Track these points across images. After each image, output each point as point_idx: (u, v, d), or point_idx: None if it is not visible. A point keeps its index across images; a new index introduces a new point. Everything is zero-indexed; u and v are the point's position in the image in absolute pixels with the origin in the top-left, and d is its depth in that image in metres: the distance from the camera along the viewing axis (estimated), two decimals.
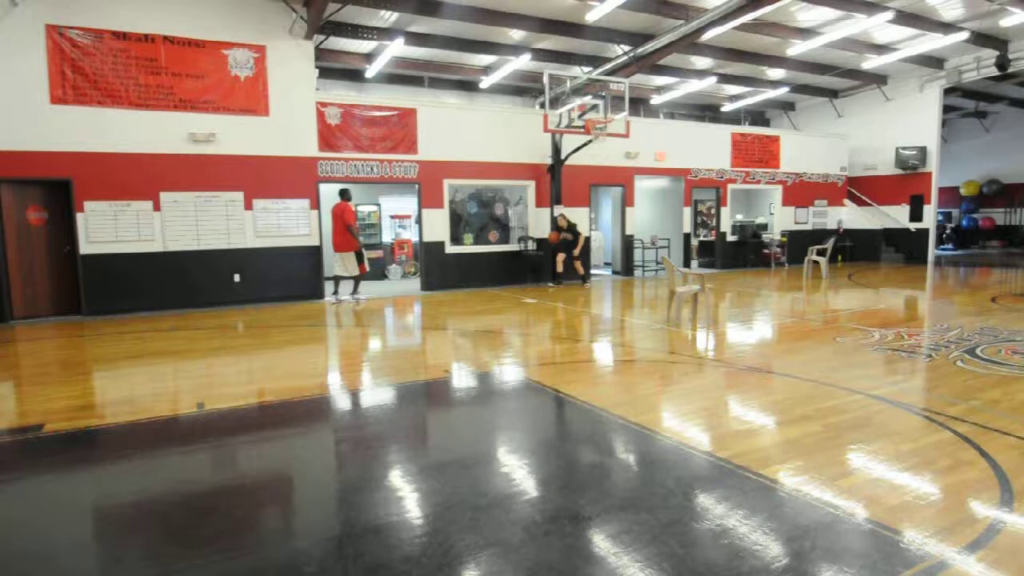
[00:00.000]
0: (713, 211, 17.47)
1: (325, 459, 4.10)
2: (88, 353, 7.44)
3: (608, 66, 14.51)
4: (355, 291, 11.55)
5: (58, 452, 4.21)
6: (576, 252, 13.33)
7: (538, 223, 13.88)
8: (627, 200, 15.14)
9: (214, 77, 10.61)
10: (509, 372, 6.02)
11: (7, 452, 4.22)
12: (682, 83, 17.67)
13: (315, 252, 11.62)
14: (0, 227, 9.47)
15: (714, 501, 3.08)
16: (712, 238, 17.53)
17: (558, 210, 13.60)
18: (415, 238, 13.44)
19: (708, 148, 16.47)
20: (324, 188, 11.98)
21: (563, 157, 13.50)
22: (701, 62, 16.16)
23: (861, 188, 19.28)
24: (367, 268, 11.72)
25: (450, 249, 13.08)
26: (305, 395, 5.41)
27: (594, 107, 12.93)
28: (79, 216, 9.87)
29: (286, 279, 11.34)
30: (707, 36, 12.93)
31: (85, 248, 9.94)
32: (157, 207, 10.32)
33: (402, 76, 16.16)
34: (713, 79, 16.93)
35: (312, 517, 3.13)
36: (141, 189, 10.21)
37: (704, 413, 4.61)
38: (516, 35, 13.72)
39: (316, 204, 11.60)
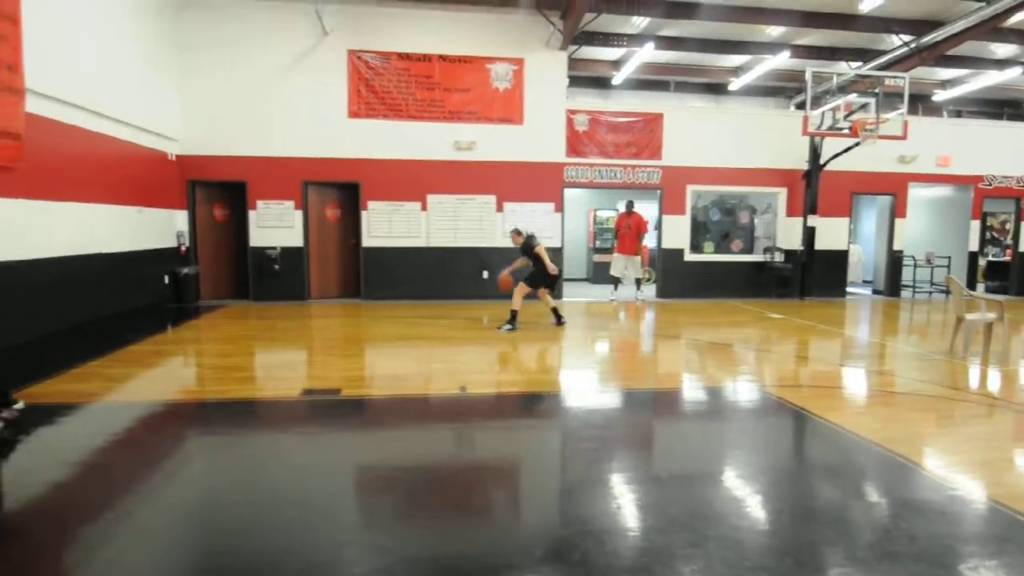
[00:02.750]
0: (1009, 226, 14.65)
1: (554, 454, 4.20)
2: (369, 332, 8.57)
3: (881, 60, 12.97)
4: (639, 289, 12.40)
5: (351, 414, 4.90)
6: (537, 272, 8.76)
7: (788, 233, 12.86)
8: (897, 211, 13.35)
9: (478, 90, 11.56)
10: (753, 389, 5.64)
11: (315, 409, 5.02)
12: (975, 75, 15.12)
13: (557, 254, 12.05)
14: (305, 221, 11.34)
15: None
16: (1007, 258, 14.71)
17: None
18: (652, 244, 13.29)
19: (1006, 151, 13.85)
20: (568, 193, 12.39)
21: (822, 162, 12.34)
22: (1002, 50, 13.65)
23: None
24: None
25: (689, 257, 12.71)
26: (545, 389, 5.63)
27: (863, 106, 11.61)
28: (363, 214, 11.44)
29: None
30: (1016, 18, 10.90)
31: (367, 241, 11.49)
32: (424, 207, 11.55)
33: (647, 81, 16.09)
34: (1018, 69, 14.20)
35: (534, 510, 3.22)
36: (412, 191, 11.51)
37: (1006, 465, 3.86)
38: (774, 32, 12.88)
39: (560, 208, 12.05)
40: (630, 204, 12.11)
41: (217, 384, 5.70)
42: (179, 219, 10.89)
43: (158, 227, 10.15)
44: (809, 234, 12.62)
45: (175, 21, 10.48)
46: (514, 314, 8.55)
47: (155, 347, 7.30)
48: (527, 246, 8.72)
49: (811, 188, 12.51)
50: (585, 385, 5.89)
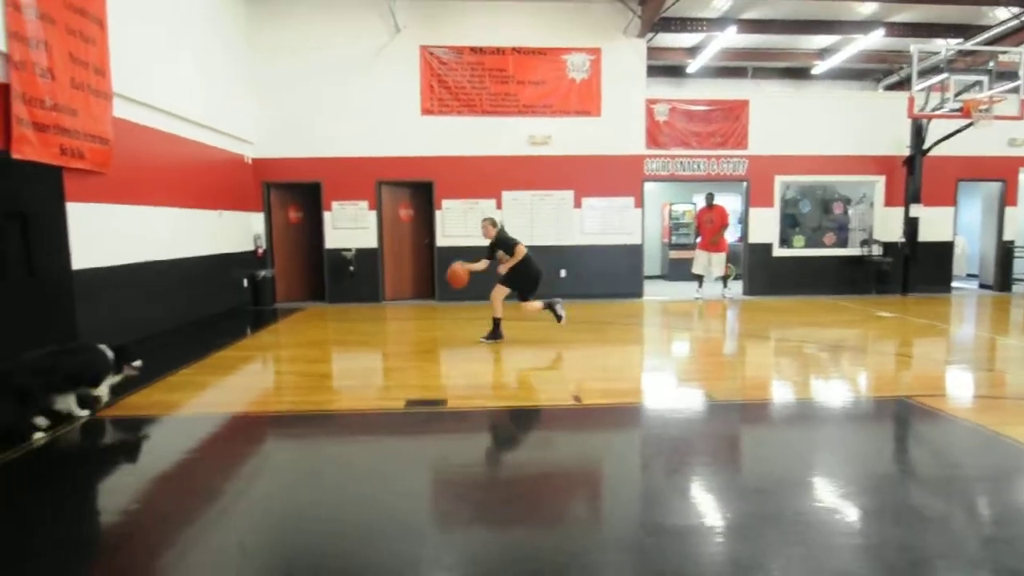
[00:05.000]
0: None
1: (711, 479, 3.71)
2: (455, 335, 8.25)
3: (986, 35, 11.92)
4: (725, 286, 11.66)
5: (464, 427, 4.51)
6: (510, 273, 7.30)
7: (887, 225, 11.95)
8: (1007, 199, 12.27)
9: (553, 82, 11.11)
10: (904, 400, 5.01)
11: (426, 422, 4.66)
12: None
13: (637, 251, 11.53)
14: (379, 221, 11.11)
15: None
16: None
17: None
18: (733, 238, 12.55)
19: None
20: (648, 187, 11.82)
21: (926, 147, 11.40)
22: None
23: None
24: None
25: (778, 252, 11.95)
26: (654, 396, 5.14)
27: (975, 84, 10.65)
28: (437, 213, 11.14)
29: (608, 277, 11.44)
30: None
31: (441, 241, 11.18)
32: (499, 205, 11.17)
33: (723, 68, 15.31)
34: None
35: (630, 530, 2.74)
36: (487, 189, 11.14)
37: None
38: (865, 9, 11.98)
39: (640, 203, 11.49)
40: (711, 197, 11.40)
41: (317, 394, 5.42)
42: (255, 222, 10.81)
43: (237, 230, 10.07)
44: (911, 225, 11.69)
45: (251, 24, 10.39)
46: (497, 323, 7.31)
47: (243, 353, 7.12)
48: (502, 242, 7.20)
49: (913, 175, 11.59)
50: (715, 397, 5.36)
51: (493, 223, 7.40)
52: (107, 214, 6.51)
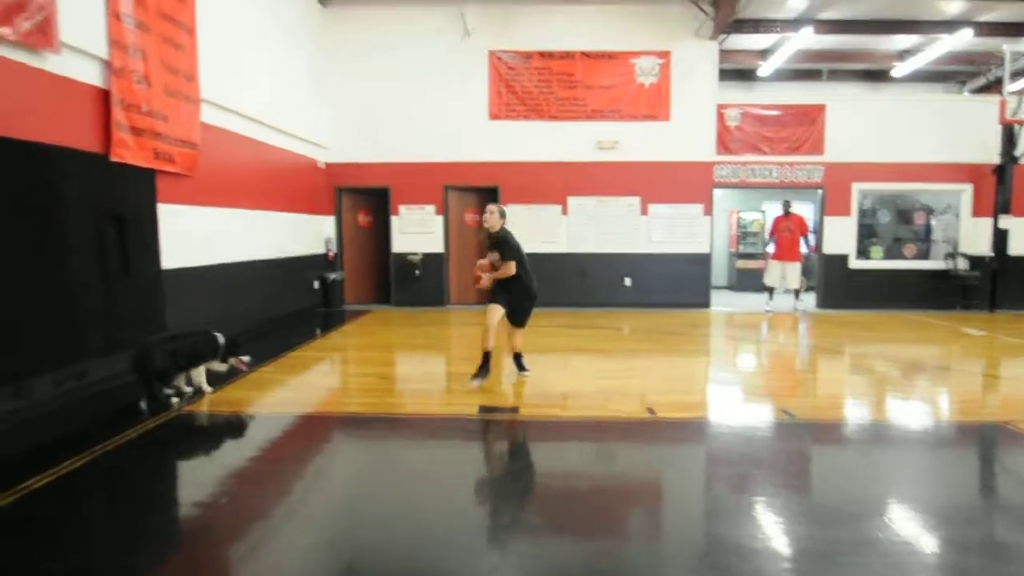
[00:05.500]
0: None
1: (800, 502, 3.53)
2: (527, 342, 8.17)
3: None
4: (797, 299, 11.09)
5: (541, 436, 4.46)
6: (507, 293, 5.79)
7: (974, 237, 11.29)
8: None
9: (621, 86, 10.97)
10: (985, 426, 4.68)
11: (500, 430, 4.62)
12: None
13: (705, 260, 11.26)
14: (445, 226, 11.20)
15: None
16: None
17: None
18: (805, 248, 12.09)
19: None
20: (717, 194, 11.54)
21: (1018, 154, 10.74)
22: None
23: None
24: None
25: (855, 264, 11.45)
26: (728, 412, 4.95)
27: None
28: None
29: (674, 286, 11.20)
30: None
31: None
32: (565, 211, 11.10)
33: (797, 71, 14.82)
34: None
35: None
36: (552, 194, 11.09)
37: None
38: (951, 7, 11.37)
39: (709, 210, 11.22)
40: (787, 204, 11.02)
41: (389, 396, 5.47)
42: (327, 225, 11.07)
43: (310, 233, 10.33)
44: (1000, 237, 11.01)
45: (325, 31, 10.65)
46: (487, 357, 5.65)
47: (315, 353, 7.28)
48: (503, 243, 5.54)
49: (1004, 184, 10.91)
50: (792, 415, 5.15)
51: (503, 214, 5.75)
52: (192, 215, 6.76)
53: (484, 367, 5.66)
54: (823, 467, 4.06)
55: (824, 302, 11.45)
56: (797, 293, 11.11)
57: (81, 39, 4.85)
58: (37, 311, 4.55)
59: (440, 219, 11.13)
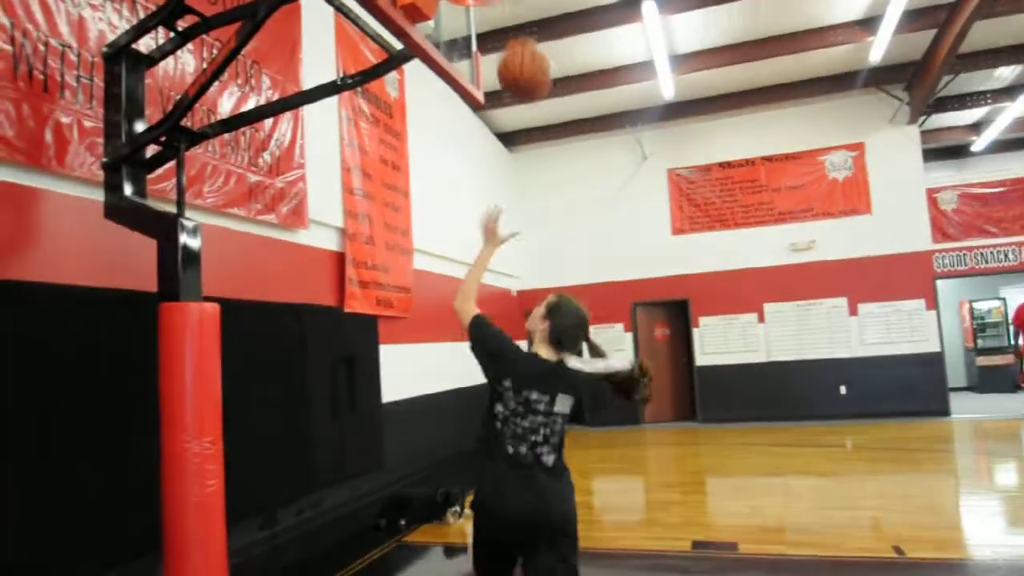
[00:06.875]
0: None
1: None
2: (728, 463, 7.67)
3: None
4: None
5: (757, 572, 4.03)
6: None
7: None
8: None
9: (811, 185, 10.53)
10: None
11: (719, 570, 4.27)
12: None
13: (935, 360, 9.88)
14: (635, 342, 11.15)
15: None
16: None
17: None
18: None
19: None
20: (941, 285, 10.28)
21: None
22: None
23: None
24: None
25: None
26: (999, 549, 4.06)
27: None
28: (695, 331, 10.85)
29: (901, 392, 9.88)
30: None
31: (700, 360, 10.79)
32: (761, 318, 10.54)
33: (1017, 141, 13.18)
34: None
35: None
36: (746, 302, 10.63)
37: None
38: None
39: (933, 304, 9.97)
40: None
41: (592, 529, 5.34)
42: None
43: None
44: None
45: (514, 172, 11.68)
46: None
47: None
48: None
49: None
50: None
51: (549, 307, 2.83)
52: (404, 353, 7.47)
53: None
54: None
55: None
56: None
57: (324, 214, 5.82)
58: (285, 447, 5.22)
59: (630, 336, 11.12)
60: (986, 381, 12.31)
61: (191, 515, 2.66)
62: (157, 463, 2.75)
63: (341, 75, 5.73)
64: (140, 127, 3.21)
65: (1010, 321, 11.55)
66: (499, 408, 2.45)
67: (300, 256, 5.58)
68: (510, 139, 11.54)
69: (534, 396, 2.42)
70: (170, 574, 2.67)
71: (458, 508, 5.66)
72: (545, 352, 2.52)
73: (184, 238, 2.89)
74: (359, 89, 6.39)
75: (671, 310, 11.25)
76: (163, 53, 3.39)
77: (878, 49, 8.42)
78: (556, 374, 2.47)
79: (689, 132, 11.08)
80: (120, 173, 3.11)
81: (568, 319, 2.55)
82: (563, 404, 2.44)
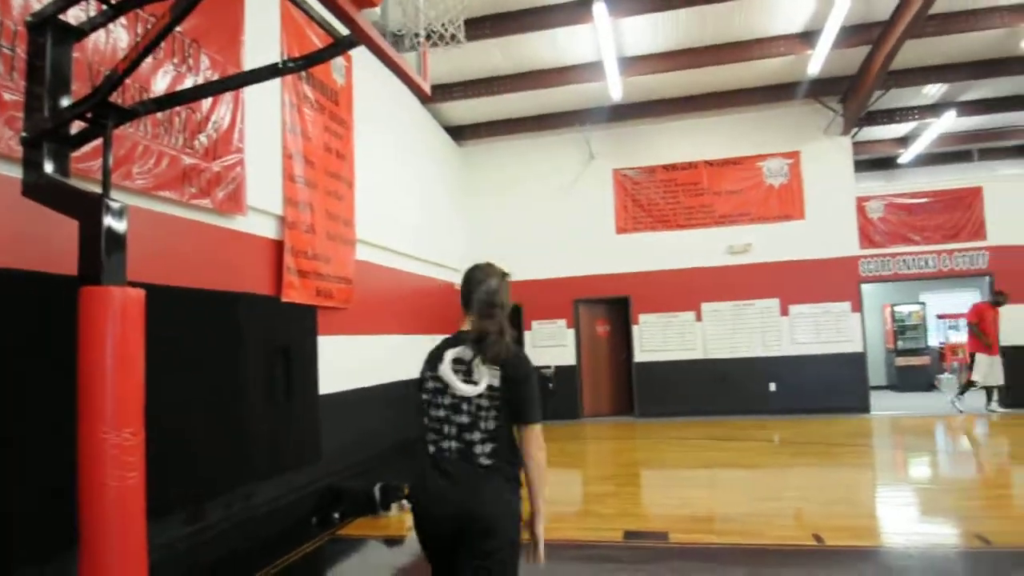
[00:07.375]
0: None
1: None
2: (662, 457, 7.89)
3: None
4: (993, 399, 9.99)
5: (698, 569, 4.17)
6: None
7: None
8: None
9: (750, 190, 10.88)
10: None
11: (651, 558, 4.39)
12: None
13: (859, 360, 10.40)
14: (577, 339, 11.30)
15: None
16: None
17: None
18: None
19: None
20: (867, 288, 10.82)
21: None
22: None
23: None
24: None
25: None
26: (911, 537, 4.33)
27: None
28: (634, 328, 11.08)
29: (826, 389, 10.36)
30: None
31: (639, 356, 11.03)
32: (699, 317, 10.85)
33: (943, 154, 13.97)
34: None
35: None
36: (685, 302, 10.92)
37: None
38: None
39: (858, 306, 10.48)
40: (1000, 295, 9.91)
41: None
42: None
43: None
44: None
45: (461, 166, 11.63)
46: None
47: None
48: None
49: None
50: (996, 540, 4.46)
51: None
52: (345, 344, 7.36)
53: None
54: None
55: (1009, 402, 9.99)
56: (991, 392, 9.92)
57: (263, 201, 5.66)
58: (217, 439, 5.07)
59: (571, 332, 11.26)
60: (904, 380, 13.02)
61: (109, 508, 2.56)
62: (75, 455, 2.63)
63: (285, 58, 5.59)
64: (65, 102, 3.05)
65: (966, 321, 11.85)
66: (423, 396, 2.31)
67: (236, 243, 5.42)
68: (459, 133, 11.48)
69: (448, 375, 2.20)
70: (86, 569, 2.56)
71: (404, 502, 5.64)
72: (467, 325, 2.31)
73: (109, 220, 2.77)
74: (304, 75, 6.24)
75: (612, 307, 11.46)
76: (93, 26, 3.22)
77: (816, 62, 8.77)
78: (476, 346, 2.20)
79: (636, 134, 11.28)
80: (41, 149, 2.95)
81: (471, 284, 2.38)
82: (485, 380, 2.18)
